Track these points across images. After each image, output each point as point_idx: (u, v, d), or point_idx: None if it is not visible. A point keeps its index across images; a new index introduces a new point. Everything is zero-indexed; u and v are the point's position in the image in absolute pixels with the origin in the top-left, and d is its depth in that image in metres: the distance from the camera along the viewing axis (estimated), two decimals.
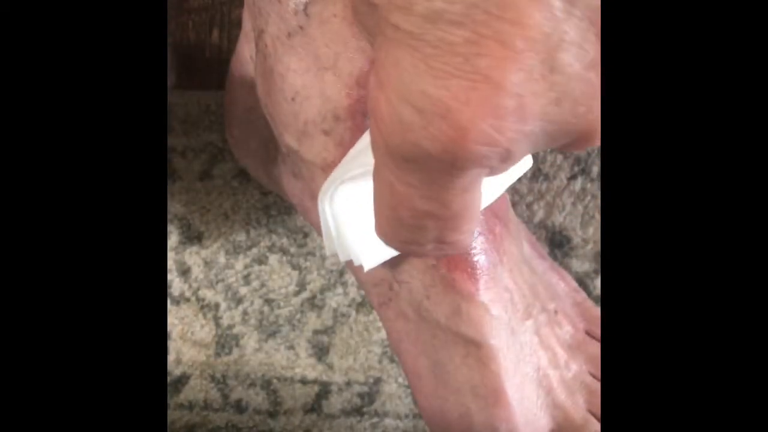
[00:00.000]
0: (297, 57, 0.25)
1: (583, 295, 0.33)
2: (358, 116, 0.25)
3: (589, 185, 0.36)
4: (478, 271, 0.28)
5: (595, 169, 0.36)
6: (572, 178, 0.36)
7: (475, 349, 0.28)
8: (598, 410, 0.30)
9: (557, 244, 0.36)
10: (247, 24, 0.27)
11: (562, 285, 0.33)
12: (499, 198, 0.30)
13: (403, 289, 0.29)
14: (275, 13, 0.24)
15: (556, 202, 0.36)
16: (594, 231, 0.36)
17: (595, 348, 0.31)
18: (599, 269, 0.37)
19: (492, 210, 0.29)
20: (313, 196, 0.30)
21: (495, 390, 0.28)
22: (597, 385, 0.30)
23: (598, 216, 0.36)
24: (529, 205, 0.36)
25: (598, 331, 0.32)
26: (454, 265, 0.28)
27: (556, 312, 0.31)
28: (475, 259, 0.28)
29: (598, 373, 0.31)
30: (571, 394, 0.30)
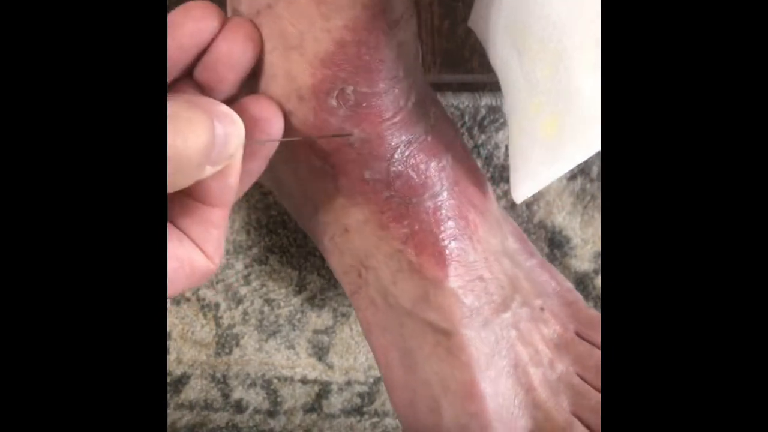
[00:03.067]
0: (265, 35, 0.25)
1: (577, 295, 0.31)
2: (321, 96, 0.25)
3: (588, 185, 0.36)
4: (447, 257, 0.27)
5: (595, 170, 0.36)
6: (572, 178, 0.36)
7: (445, 338, 0.27)
8: (583, 413, 0.28)
9: (557, 244, 0.36)
10: (228, 4, 0.27)
11: (553, 284, 0.31)
12: (475, 187, 0.29)
13: (370, 276, 0.28)
14: None
15: (556, 202, 0.36)
16: (593, 231, 0.36)
17: (584, 348, 0.29)
18: (599, 269, 0.37)
19: (467, 197, 0.28)
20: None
21: (466, 382, 0.27)
22: (584, 387, 0.29)
23: (597, 216, 0.36)
24: (528, 205, 0.36)
25: (589, 333, 0.30)
26: (421, 249, 0.27)
27: (542, 309, 0.29)
28: (444, 243, 0.27)
29: (586, 375, 0.29)
30: (555, 395, 0.28)
